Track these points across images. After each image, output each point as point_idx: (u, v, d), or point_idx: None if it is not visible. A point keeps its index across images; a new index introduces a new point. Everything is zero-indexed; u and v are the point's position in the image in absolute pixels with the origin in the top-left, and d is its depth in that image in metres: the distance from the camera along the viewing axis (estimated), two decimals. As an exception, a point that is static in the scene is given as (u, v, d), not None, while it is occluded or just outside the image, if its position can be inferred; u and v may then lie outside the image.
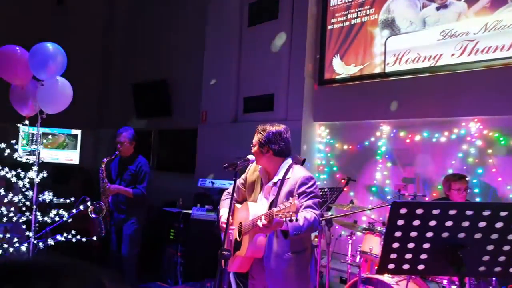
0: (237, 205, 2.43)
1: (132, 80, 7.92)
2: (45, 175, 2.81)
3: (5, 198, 2.68)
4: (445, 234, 1.43)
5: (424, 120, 4.38)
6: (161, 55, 7.55)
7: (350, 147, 5.04)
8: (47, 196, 2.83)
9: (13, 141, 2.78)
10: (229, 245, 2.33)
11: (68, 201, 2.96)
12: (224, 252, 2.01)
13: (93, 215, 3.95)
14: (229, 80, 5.95)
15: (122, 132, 4.12)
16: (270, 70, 5.46)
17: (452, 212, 1.41)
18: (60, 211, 2.83)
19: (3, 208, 2.76)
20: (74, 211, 3.01)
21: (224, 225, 2.25)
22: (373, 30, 4.81)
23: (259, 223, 1.92)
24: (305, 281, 2.19)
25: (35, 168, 2.73)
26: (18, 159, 2.70)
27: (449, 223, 1.43)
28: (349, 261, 3.50)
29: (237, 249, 2.25)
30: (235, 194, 2.41)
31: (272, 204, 2.16)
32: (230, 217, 2.31)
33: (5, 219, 2.79)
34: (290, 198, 1.85)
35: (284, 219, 1.83)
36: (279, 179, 2.21)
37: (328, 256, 3.32)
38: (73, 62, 8.21)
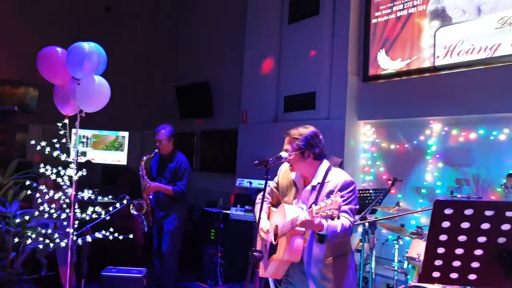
0: (273, 208, 2.36)
1: (175, 82, 8.07)
2: (84, 173, 2.78)
3: (46, 195, 2.71)
4: (501, 240, 1.26)
5: (480, 116, 4.01)
6: (203, 57, 7.63)
7: (397, 146, 4.75)
8: (86, 194, 2.81)
9: (64, 141, 2.78)
10: (264, 249, 2.27)
11: (106, 199, 2.93)
12: (255, 253, 1.92)
13: (135, 213, 4.02)
14: (270, 79, 5.88)
15: (160, 130, 4.15)
16: (312, 67, 5.32)
17: (510, 214, 1.21)
18: (97, 208, 2.81)
19: (48, 206, 2.78)
20: (111, 209, 2.99)
21: (261, 231, 2.20)
22: (421, 21, 4.50)
23: (300, 219, 1.86)
24: (348, 286, 2.12)
25: (72, 166, 2.71)
26: (69, 159, 2.70)
27: (506, 227, 1.25)
28: (395, 267, 3.25)
29: (273, 253, 2.18)
30: (269, 197, 2.40)
31: (311, 207, 2.06)
32: (267, 220, 2.28)
33: (55, 215, 2.82)
34: (331, 195, 1.78)
35: (323, 219, 1.77)
36: (318, 183, 2.14)
37: (372, 261, 3.10)
38: (120, 66, 8.59)
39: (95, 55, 2.74)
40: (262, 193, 2.43)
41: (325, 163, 2.20)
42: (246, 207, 4.65)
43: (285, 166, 2.34)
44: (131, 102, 8.87)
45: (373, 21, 4.96)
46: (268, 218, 2.34)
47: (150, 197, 4.16)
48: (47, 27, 7.75)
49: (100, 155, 8.52)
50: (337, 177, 2.11)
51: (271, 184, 2.41)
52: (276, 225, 2.20)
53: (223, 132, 6.93)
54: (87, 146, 8.46)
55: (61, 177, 2.75)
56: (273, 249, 2.19)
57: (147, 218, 4.08)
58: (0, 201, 3.21)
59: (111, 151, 8.57)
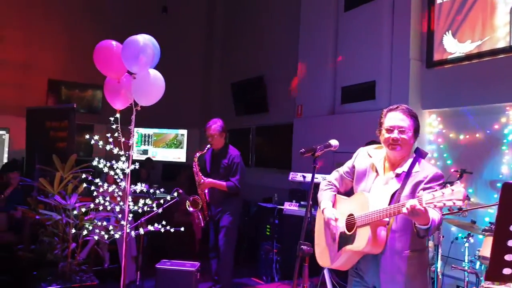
0: (341, 196, 2.23)
1: (231, 79, 8.10)
2: (136, 167, 2.80)
3: (101, 189, 2.75)
4: None
5: None
6: (257, 53, 7.61)
7: (467, 136, 4.31)
8: (139, 187, 2.83)
9: (133, 150, 2.83)
10: (329, 240, 2.14)
11: (157, 192, 2.93)
12: (303, 246, 1.81)
13: (191, 209, 4.03)
14: (326, 70, 5.71)
15: (211, 125, 4.14)
16: (370, 55, 5.06)
17: None
18: (148, 201, 2.81)
19: (103, 199, 2.83)
20: (161, 201, 2.98)
21: (331, 220, 2.10)
22: (494, -3, 4.03)
23: (408, 206, 1.74)
24: (424, 284, 2.01)
25: (123, 158, 2.73)
26: (121, 153, 2.81)
27: None
28: (466, 268, 2.92)
29: (345, 243, 2.06)
30: (336, 184, 2.28)
31: (394, 196, 2.00)
32: (332, 208, 2.18)
33: (109, 208, 2.87)
34: (448, 185, 1.66)
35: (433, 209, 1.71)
36: (403, 171, 2.04)
37: (438, 260, 2.82)
38: (178, 66, 8.81)
39: (150, 48, 2.74)
40: (328, 179, 2.32)
41: (413, 155, 2.09)
42: (301, 202, 4.48)
43: (363, 150, 2.22)
44: (189, 101, 9.06)
45: (438, 1, 4.54)
46: (333, 206, 2.24)
47: (206, 192, 4.17)
48: (108, 28, 8.12)
49: (161, 152, 8.81)
50: (428, 168, 1.99)
51: (341, 170, 2.27)
52: (351, 214, 2.09)
53: (278, 127, 6.86)
54: (148, 144, 8.78)
55: (114, 170, 2.76)
56: (345, 239, 2.08)
57: (203, 213, 4.09)
58: (61, 194, 3.36)
59: (171, 149, 8.82)
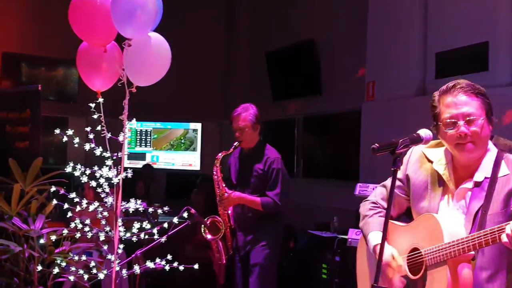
0: (396, 223, 2.31)
1: (265, 47, 8.10)
2: (129, 175, 2.81)
3: (78, 207, 2.78)
4: None
5: None
6: (304, 7, 7.56)
7: None
8: (132, 204, 2.84)
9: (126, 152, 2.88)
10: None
11: (159, 212, 2.93)
12: None
13: (208, 236, 4.03)
14: (410, 31, 5.65)
15: (241, 113, 4.16)
16: (480, 4, 4.98)
17: None
18: (145, 225, 2.82)
19: (80, 221, 2.86)
20: (165, 225, 2.96)
21: (391, 262, 2.18)
22: None
23: (510, 230, 1.78)
24: None
25: (109, 162, 2.78)
26: (106, 154, 2.86)
27: None
28: None
29: None
30: (386, 205, 2.33)
31: (477, 217, 2.04)
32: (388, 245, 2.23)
33: (90, 235, 2.90)
34: None
35: None
36: (485, 177, 2.08)
37: None
38: (190, 36, 8.82)
39: (150, 2, 2.77)
40: (370, 197, 2.43)
41: (492, 148, 2.14)
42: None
43: (417, 153, 2.28)
44: (205, 83, 9.10)
45: None
46: (388, 239, 2.26)
47: (229, 212, 4.18)
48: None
49: (164, 157, 8.90)
50: None
51: (388, 183, 2.29)
52: (415, 249, 2.14)
53: (337, 116, 6.81)
54: (146, 145, 8.89)
55: (96, 180, 2.79)
56: (409, 286, 2.13)
57: (225, 244, 4.10)
58: (21, 216, 3.41)
59: (178, 152, 8.89)
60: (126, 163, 8.51)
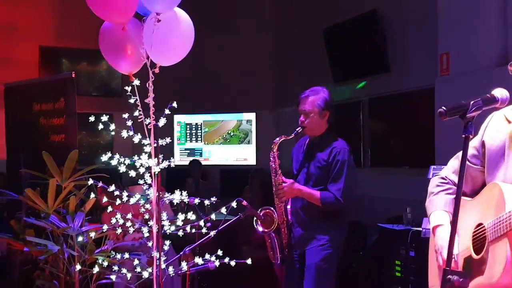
0: (465, 199, 2.25)
1: (323, 23, 8.07)
2: (172, 164, 2.84)
3: (119, 200, 2.83)
4: None
5: None
6: None
7: None
8: (177, 196, 2.87)
9: (167, 138, 2.97)
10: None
11: (206, 202, 2.98)
12: (450, 276, 1.79)
13: (260, 228, 4.02)
14: None
15: (309, 96, 4.11)
16: None
17: None
18: (191, 215, 2.84)
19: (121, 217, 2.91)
20: (212, 217, 2.98)
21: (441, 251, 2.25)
22: None
23: None
24: None
25: (147, 149, 2.80)
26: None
27: None
28: None
29: (472, 276, 2.07)
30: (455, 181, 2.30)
31: None
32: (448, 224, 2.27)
33: (131, 230, 2.98)
34: None
35: None
36: None
37: None
38: (240, 17, 8.84)
39: None
40: (442, 173, 2.42)
41: None
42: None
43: (498, 116, 2.24)
44: (257, 68, 9.12)
45: None
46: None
47: (288, 207, 4.17)
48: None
49: (217, 151, 8.98)
50: None
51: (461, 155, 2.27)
52: (480, 224, 2.11)
53: (408, 96, 6.74)
54: (197, 140, 9.01)
55: (136, 169, 2.85)
56: (473, 268, 2.11)
57: (280, 240, 4.08)
58: (59, 213, 3.50)
59: (232, 145, 8.95)
60: (177, 160, 8.68)
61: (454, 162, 2.37)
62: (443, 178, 2.40)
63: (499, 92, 2.04)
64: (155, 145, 2.94)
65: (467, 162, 2.23)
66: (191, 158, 8.67)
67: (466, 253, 2.15)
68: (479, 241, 2.10)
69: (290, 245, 4.13)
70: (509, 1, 5.39)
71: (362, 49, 7.34)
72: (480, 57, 5.50)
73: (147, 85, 2.96)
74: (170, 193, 3.01)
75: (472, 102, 1.98)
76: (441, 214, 2.29)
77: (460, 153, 2.26)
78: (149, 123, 2.93)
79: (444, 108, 1.98)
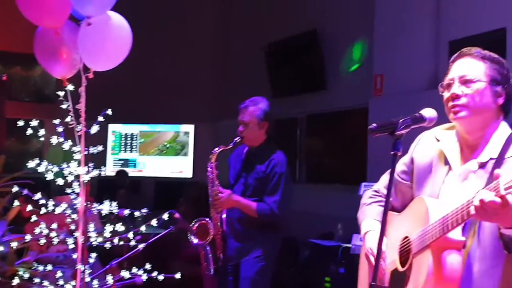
0: (393, 213, 2.32)
1: (264, 39, 8.17)
2: (102, 173, 2.79)
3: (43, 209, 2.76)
4: None
5: None
6: None
7: None
8: (106, 206, 2.81)
9: (99, 147, 2.92)
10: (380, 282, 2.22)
11: (137, 213, 2.95)
12: None
13: (195, 240, 3.98)
14: (422, 17, 5.74)
15: (249, 106, 4.09)
16: None
17: None
18: (119, 227, 2.82)
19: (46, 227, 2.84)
20: (143, 229, 2.92)
21: (369, 254, 2.26)
22: None
23: (477, 200, 1.75)
24: None
25: (77, 156, 2.74)
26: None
27: None
28: None
29: (399, 286, 2.13)
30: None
31: None
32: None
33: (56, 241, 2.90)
34: None
35: None
36: (491, 158, 2.06)
37: None
38: (182, 28, 8.80)
39: None
40: (375, 187, 2.46)
41: (505, 127, 2.12)
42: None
43: (428, 133, 2.28)
44: (197, 80, 9.11)
45: None
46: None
47: (224, 216, 4.13)
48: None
49: (153, 163, 8.87)
50: None
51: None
52: (406, 237, 2.15)
53: (343, 113, 6.88)
54: (132, 151, 8.88)
55: (64, 178, 2.76)
56: (399, 281, 2.13)
57: (215, 251, 4.03)
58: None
59: (168, 157, 8.87)
60: (110, 170, 8.57)
61: (386, 177, 2.40)
62: (375, 191, 2.45)
63: (427, 112, 2.09)
64: (86, 153, 2.87)
65: (397, 177, 2.32)
66: (127, 169, 8.55)
67: (393, 266, 2.19)
68: (405, 254, 2.13)
69: (225, 256, 4.10)
70: (441, 27, 5.58)
71: (301, 67, 7.45)
72: (413, 79, 5.68)
73: (79, 91, 2.91)
74: (99, 204, 2.94)
75: (401, 120, 2.02)
76: (372, 222, 2.33)
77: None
78: (80, 129, 2.86)
79: (375, 125, 2.01)
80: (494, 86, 2.06)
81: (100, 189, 7.03)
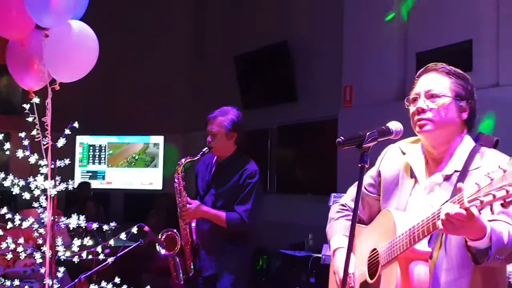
0: (361, 226, 2.34)
1: (234, 50, 8.18)
2: (70, 187, 2.76)
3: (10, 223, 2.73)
4: None
5: None
6: (275, 6, 7.67)
7: None
8: (74, 220, 2.78)
9: (66, 160, 2.91)
10: None
11: (105, 227, 2.93)
12: None
13: (163, 252, 3.95)
14: (390, 30, 5.79)
15: (217, 116, 4.03)
16: (461, 1, 5.13)
17: None
18: (87, 241, 2.79)
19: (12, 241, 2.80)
20: (111, 243, 2.91)
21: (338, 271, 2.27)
22: None
23: (443, 214, 1.77)
24: None
25: (44, 170, 2.70)
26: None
27: None
28: None
29: None
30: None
31: None
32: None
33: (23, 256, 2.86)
34: (498, 167, 1.68)
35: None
36: (455, 170, 2.10)
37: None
38: (152, 40, 8.77)
39: None
40: (341, 200, 2.49)
41: (469, 141, 2.16)
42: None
43: (394, 148, 2.32)
44: (167, 91, 9.08)
45: None
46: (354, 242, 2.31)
47: (193, 225, 4.10)
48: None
49: (122, 175, 8.81)
50: (497, 159, 2.00)
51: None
52: (374, 250, 2.17)
53: (313, 125, 6.90)
54: (100, 162, 8.80)
55: (31, 192, 2.73)
56: None
57: (184, 262, 3.99)
58: None
59: (138, 168, 8.81)
60: (77, 182, 8.47)
61: (353, 190, 2.41)
62: (342, 205, 2.46)
63: (394, 125, 2.12)
64: (52, 166, 2.85)
65: (365, 190, 2.35)
66: (95, 182, 8.48)
67: (362, 278, 2.21)
68: (374, 266, 2.15)
69: (195, 267, 4.06)
70: (409, 41, 5.63)
71: (272, 78, 7.46)
72: (381, 90, 5.71)
73: (45, 103, 2.88)
74: (66, 217, 2.92)
75: (368, 133, 2.05)
76: (341, 238, 2.34)
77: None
78: (46, 143, 2.84)
79: (342, 138, 2.04)
80: (458, 101, 2.10)
81: (67, 202, 6.98)
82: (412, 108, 2.13)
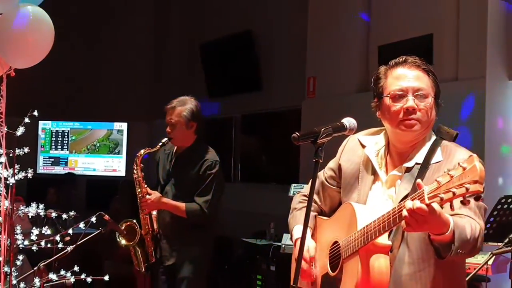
0: (322, 218, 2.38)
1: (199, 38, 8.16)
2: (29, 175, 2.73)
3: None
4: None
5: None
6: None
7: None
8: (33, 209, 2.76)
9: (25, 148, 2.83)
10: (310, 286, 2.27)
11: (64, 216, 2.90)
12: None
13: (123, 241, 3.96)
14: (353, 22, 5.87)
15: (176, 107, 4.03)
16: None
17: None
18: (46, 230, 2.79)
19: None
20: (70, 232, 2.89)
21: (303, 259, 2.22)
22: None
23: (408, 206, 1.78)
24: None
25: (1, 159, 2.68)
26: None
27: None
28: None
29: None
30: (317, 198, 2.38)
31: None
32: (311, 239, 2.32)
33: None
34: (457, 165, 1.71)
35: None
36: (416, 163, 2.11)
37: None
38: (114, 23, 8.68)
39: None
40: (303, 191, 2.50)
41: (431, 134, 2.18)
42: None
43: (353, 140, 2.32)
44: (132, 77, 9.02)
45: None
46: (315, 234, 2.36)
47: (154, 214, 4.10)
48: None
49: (84, 162, 8.73)
50: (458, 155, 2.04)
51: (321, 175, 2.39)
52: (335, 242, 2.18)
53: (277, 114, 6.94)
54: (63, 148, 8.71)
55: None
56: (330, 285, 2.16)
57: (145, 250, 4.00)
58: None
59: (100, 156, 8.74)
60: (40, 168, 8.39)
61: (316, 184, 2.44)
62: (304, 196, 2.46)
63: (348, 121, 2.13)
64: (11, 155, 2.81)
65: (326, 182, 2.37)
66: (56, 167, 8.39)
67: (324, 270, 2.22)
68: (335, 259, 2.16)
69: (156, 256, 4.06)
70: (370, 32, 5.71)
71: (236, 67, 7.48)
72: (344, 82, 5.78)
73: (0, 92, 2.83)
74: (25, 206, 2.87)
75: (323, 129, 2.06)
76: (301, 229, 2.33)
77: (320, 172, 2.37)
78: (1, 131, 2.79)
79: (297, 134, 2.06)
80: (436, 100, 2.10)
81: (30, 188, 6.89)
82: (397, 105, 2.08)
